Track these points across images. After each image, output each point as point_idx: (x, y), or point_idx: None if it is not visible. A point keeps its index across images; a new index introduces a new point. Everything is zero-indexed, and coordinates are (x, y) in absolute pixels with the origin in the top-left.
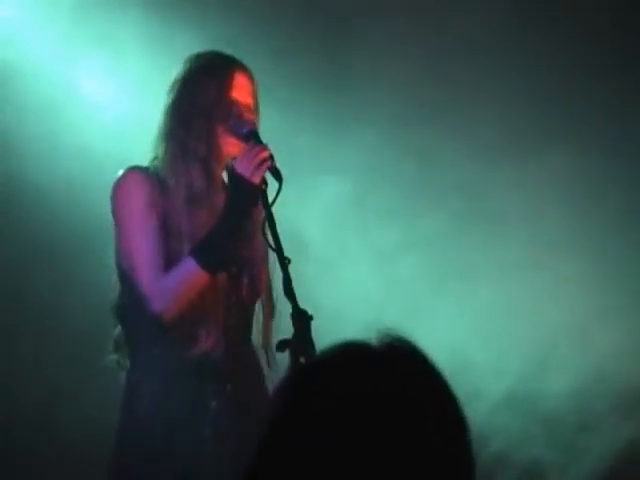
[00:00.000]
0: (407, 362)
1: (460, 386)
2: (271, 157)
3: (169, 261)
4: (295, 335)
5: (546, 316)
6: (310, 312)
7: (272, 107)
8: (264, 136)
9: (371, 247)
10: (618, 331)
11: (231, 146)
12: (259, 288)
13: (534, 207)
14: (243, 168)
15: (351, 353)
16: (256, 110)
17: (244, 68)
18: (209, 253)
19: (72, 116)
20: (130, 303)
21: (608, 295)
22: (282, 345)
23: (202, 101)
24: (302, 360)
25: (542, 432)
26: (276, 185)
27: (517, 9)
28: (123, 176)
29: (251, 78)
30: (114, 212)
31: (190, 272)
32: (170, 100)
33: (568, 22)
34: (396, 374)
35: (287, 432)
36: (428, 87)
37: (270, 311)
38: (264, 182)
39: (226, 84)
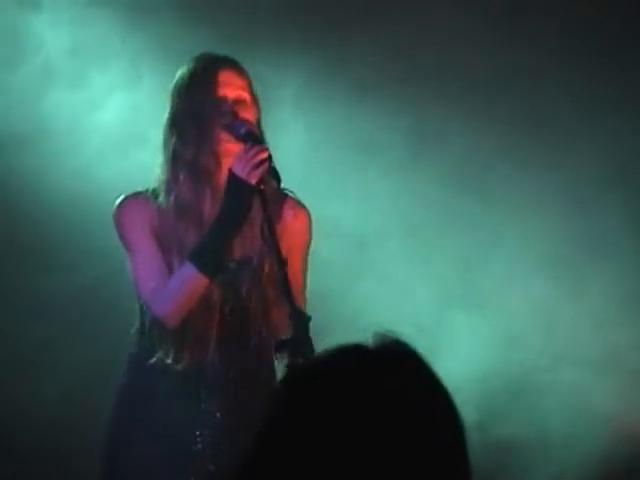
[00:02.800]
0: (403, 364)
1: None
2: (269, 158)
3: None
4: (293, 336)
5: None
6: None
7: None
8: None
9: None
10: None
11: (231, 145)
12: (262, 284)
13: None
14: (240, 169)
15: (347, 356)
16: (254, 103)
17: (231, 64)
18: (206, 257)
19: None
20: None
21: None
22: (281, 346)
23: (191, 106)
24: (300, 361)
25: None
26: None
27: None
28: (118, 205)
29: (241, 72)
30: (118, 237)
31: (189, 277)
32: (166, 114)
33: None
34: (392, 377)
35: (286, 435)
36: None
37: (276, 300)
38: (262, 182)
39: (211, 83)
